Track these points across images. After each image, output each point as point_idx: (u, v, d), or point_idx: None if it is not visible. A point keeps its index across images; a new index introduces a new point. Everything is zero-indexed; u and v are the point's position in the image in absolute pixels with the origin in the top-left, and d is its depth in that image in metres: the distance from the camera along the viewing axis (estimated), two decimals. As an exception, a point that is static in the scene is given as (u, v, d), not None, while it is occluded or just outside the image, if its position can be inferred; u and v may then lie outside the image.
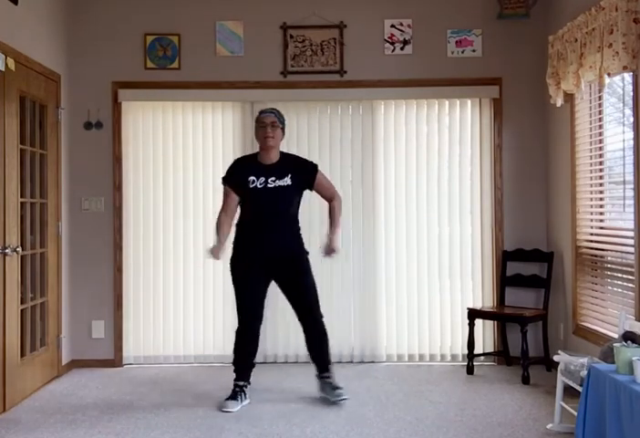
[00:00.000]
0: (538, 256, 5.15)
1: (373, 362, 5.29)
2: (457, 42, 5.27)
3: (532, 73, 5.20)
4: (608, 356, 3.30)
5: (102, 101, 5.25)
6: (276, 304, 4.76)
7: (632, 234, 3.84)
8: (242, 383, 4.27)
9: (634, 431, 2.69)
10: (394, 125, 5.36)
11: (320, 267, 4.67)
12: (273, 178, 4.21)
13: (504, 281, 5.20)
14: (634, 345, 3.02)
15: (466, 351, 5.03)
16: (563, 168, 4.91)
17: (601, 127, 4.48)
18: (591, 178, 4.61)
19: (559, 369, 3.72)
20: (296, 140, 5.29)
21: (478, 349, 5.13)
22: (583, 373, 3.30)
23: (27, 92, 4.50)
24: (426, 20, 5.26)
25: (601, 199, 4.52)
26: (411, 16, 5.26)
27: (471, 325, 4.96)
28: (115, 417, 4.01)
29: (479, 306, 5.24)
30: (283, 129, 4.32)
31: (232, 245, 4.31)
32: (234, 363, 4.33)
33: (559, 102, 4.61)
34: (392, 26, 5.27)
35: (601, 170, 4.50)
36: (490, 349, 5.28)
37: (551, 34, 4.78)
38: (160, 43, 5.26)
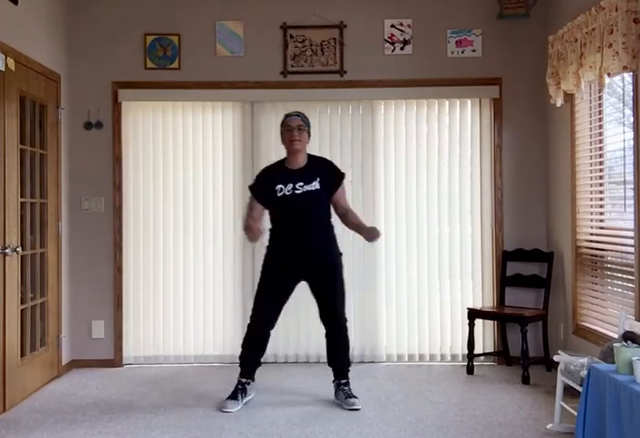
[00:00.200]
0: (538, 256, 5.15)
1: (373, 362, 5.29)
2: (457, 42, 5.27)
3: (532, 73, 5.20)
4: (608, 356, 3.30)
5: (102, 101, 5.25)
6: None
7: (632, 234, 3.84)
8: (244, 380, 4.26)
9: (634, 431, 2.69)
10: (394, 125, 5.36)
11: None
12: (301, 183, 4.16)
13: (504, 281, 5.20)
14: (634, 345, 3.02)
15: (466, 351, 5.03)
16: (563, 168, 4.91)
17: (601, 127, 4.48)
18: (591, 178, 4.61)
19: (559, 369, 3.72)
20: (296, 141, 5.29)
21: (478, 349, 5.13)
22: (583, 373, 3.30)
23: (27, 92, 4.50)
24: (426, 20, 5.26)
25: (601, 199, 4.52)
26: (411, 16, 5.26)
27: (471, 325, 4.96)
28: (115, 417, 4.01)
29: (479, 306, 5.24)
30: (309, 132, 4.28)
31: (265, 249, 4.29)
32: (240, 358, 4.32)
33: (559, 102, 4.60)
34: (392, 26, 5.27)
35: (601, 170, 4.50)
36: (490, 349, 5.28)
37: (551, 34, 4.78)
38: (159, 43, 5.26)
